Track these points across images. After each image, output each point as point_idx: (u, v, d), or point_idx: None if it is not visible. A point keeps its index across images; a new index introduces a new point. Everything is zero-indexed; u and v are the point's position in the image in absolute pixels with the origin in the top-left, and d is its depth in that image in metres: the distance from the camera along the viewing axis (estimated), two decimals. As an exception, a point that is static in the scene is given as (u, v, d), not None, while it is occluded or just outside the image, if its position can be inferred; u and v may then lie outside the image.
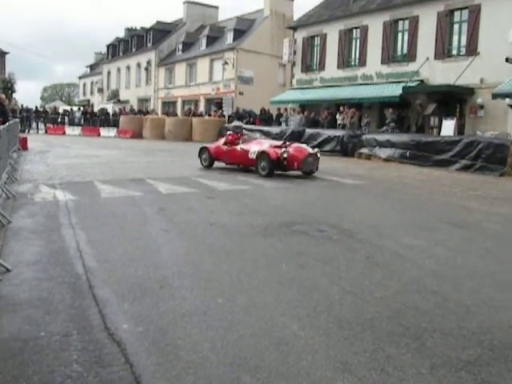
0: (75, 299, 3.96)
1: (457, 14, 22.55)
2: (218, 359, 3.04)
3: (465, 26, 22.07)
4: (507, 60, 19.55)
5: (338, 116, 24.88)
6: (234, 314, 3.74)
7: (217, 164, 13.98)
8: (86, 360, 2.98)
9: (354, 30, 27.34)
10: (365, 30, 26.37)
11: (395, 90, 23.31)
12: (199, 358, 3.05)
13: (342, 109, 24.82)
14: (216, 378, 2.83)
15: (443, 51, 22.76)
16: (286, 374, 2.90)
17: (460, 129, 19.83)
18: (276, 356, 3.10)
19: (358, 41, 27.02)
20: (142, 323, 3.53)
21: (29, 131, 34.19)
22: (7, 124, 12.30)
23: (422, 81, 23.50)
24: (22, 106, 37.98)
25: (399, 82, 23.84)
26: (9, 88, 50.48)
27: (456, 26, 22.66)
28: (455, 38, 22.73)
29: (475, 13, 21.33)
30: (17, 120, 22.64)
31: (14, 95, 48.52)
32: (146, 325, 3.51)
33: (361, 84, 26.40)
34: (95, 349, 3.13)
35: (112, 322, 3.54)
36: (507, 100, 19.63)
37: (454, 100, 21.40)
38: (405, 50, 24.68)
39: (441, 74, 22.44)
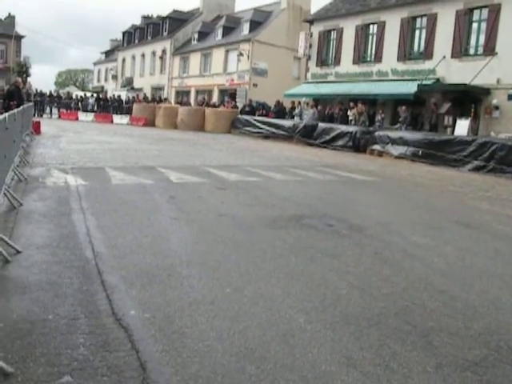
0: (83, 284, 3.98)
1: (476, 13, 22.33)
2: (224, 349, 3.05)
3: (483, 25, 21.86)
4: (525, 61, 19.38)
5: (349, 112, 24.73)
6: (241, 305, 3.75)
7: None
8: (93, 344, 3.00)
9: (371, 26, 27.18)
10: (382, 26, 26.20)
11: (410, 88, 23.15)
12: (205, 346, 3.06)
13: (352, 105, 24.62)
14: (221, 367, 2.84)
15: (460, 50, 22.58)
16: (291, 366, 2.90)
17: (474, 129, 19.67)
18: (282, 348, 3.11)
19: (375, 36, 26.88)
20: (149, 310, 3.55)
21: (42, 115, 34.34)
22: (22, 107, 12.36)
23: (437, 79, 23.34)
24: (36, 90, 38.10)
25: (414, 80, 23.68)
26: (24, 72, 50.84)
27: (475, 25, 22.46)
28: (473, 36, 22.52)
29: (495, 12, 21.12)
30: (31, 104, 22.74)
31: (28, 79, 48.82)
32: (153, 312, 3.52)
33: (376, 80, 26.26)
34: (102, 333, 3.15)
35: (119, 307, 3.56)
36: (523, 102, 19.48)
37: (469, 100, 21.22)
38: (421, 48, 24.50)
39: (457, 72, 22.25)
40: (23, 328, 3.15)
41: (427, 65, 23.74)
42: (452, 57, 22.84)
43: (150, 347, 3.02)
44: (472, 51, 22.52)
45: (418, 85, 22.69)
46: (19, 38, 55.85)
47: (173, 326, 3.31)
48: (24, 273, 4.14)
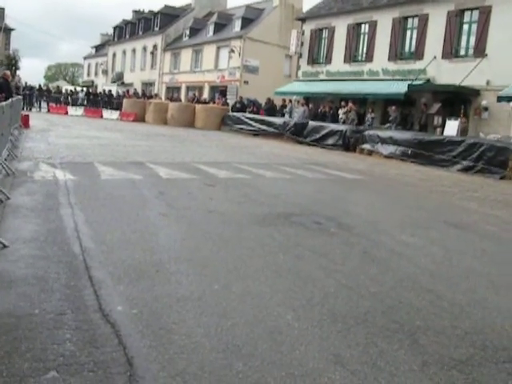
0: (71, 279, 3.96)
1: (467, 14, 22.45)
2: (212, 345, 3.05)
3: (474, 27, 21.98)
4: (515, 63, 19.49)
5: (340, 111, 24.75)
6: (228, 302, 3.74)
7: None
8: (80, 339, 2.98)
9: (363, 25, 27.23)
10: (373, 26, 26.26)
11: (400, 88, 23.22)
12: (192, 343, 3.06)
13: (342, 103, 24.67)
14: (208, 363, 2.84)
15: (451, 51, 22.68)
16: (279, 363, 2.90)
17: (463, 130, 19.78)
18: (269, 345, 3.11)
19: (366, 36, 26.93)
20: (136, 306, 3.54)
21: (31, 109, 34.05)
22: (10, 100, 12.26)
23: (428, 79, 23.44)
24: (25, 83, 37.75)
25: (405, 80, 23.77)
26: (13, 65, 50.44)
27: (465, 27, 22.57)
28: (464, 38, 22.63)
29: (485, 14, 21.24)
30: (20, 97, 22.53)
31: (17, 72, 48.44)
32: (141, 307, 3.51)
33: (366, 79, 26.32)
34: (89, 329, 3.13)
35: (107, 303, 3.54)
36: (512, 103, 19.62)
37: (458, 100, 21.34)
38: (412, 48, 24.59)
39: (447, 73, 22.36)
40: (9, 323, 3.12)
41: (418, 65, 23.83)
42: (443, 57, 22.95)
43: (137, 343, 3.01)
44: (462, 52, 22.64)
45: (409, 85, 22.77)
46: (8, 30, 55.39)
47: (160, 322, 3.30)
48: (10, 267, 4.11)
